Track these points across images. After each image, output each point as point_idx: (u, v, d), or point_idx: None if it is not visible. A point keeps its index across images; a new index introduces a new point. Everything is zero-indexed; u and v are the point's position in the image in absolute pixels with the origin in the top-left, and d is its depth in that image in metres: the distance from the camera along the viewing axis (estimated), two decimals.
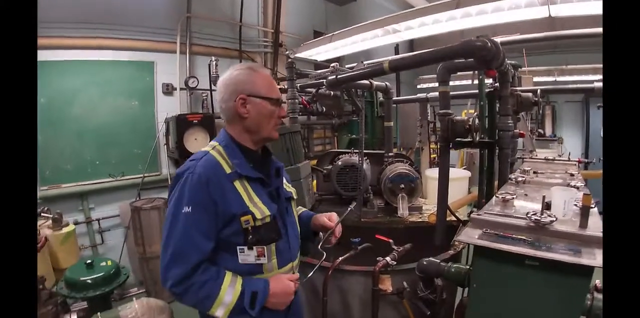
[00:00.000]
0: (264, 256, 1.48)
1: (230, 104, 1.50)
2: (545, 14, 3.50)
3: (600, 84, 3.69)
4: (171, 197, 1.43)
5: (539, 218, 1.34)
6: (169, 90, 5.17)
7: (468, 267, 1.64)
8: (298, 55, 5.35)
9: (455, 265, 1.71)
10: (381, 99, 3.97)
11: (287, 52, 3.50)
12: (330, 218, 1.79)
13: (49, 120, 4.25)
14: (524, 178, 2.25)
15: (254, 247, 1.46)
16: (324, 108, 5.79)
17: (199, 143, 4.68)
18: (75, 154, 4.52)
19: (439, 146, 2.31)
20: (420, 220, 2.88)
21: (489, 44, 1.79)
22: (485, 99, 3.19)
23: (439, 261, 1.79)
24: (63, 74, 4.37)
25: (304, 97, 4.49)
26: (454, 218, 2.71)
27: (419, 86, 9.40)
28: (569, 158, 2.98)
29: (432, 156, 7.50)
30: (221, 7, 5.66)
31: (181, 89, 5.20)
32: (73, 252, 3.85)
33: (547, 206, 1.46)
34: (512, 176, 2.31)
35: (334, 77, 2.49)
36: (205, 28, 5.44)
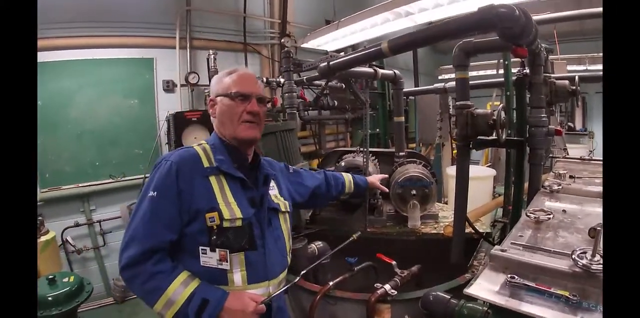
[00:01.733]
0: (227, 261, 1.37)
1: (210, 105, 1.60)
2: None
3: None
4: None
5: (589, 262, 0.92)
6: (169, 87, 4.96)
7: (486, 308, 1.25)
8: (305, 45, 4.96)
9: (469, 305, 1.32)
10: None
11: (286, 41, 3.10)
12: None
13: (47, 123, 4.22)
14: (559, 186, 1.83)
15: (217, 249, 1.37)
16: (335, 102, 5.44)
17: (198, 141, 4.43)
18: (75, 155, 4.50)
19: (455, 146, 1.91)
20: (435, 231, 2.47)
21: (517, 11, 1.37)
22: (512, 87, 2.76)
23: (448, 297, 1.40)
24: (59, 75, 4.31)
25: (303, 91, 4.15)
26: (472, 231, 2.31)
27: (440, 77, 8.84)
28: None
29: (454, 152, 7.04)
30: None
31: (182, 85, 4.96)
32: (54, 261, 3.70)
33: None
34: (547, 183, 1.89)
35: (326, 64, 2.11)
36: (206, 21, 5.17)
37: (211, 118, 1.58)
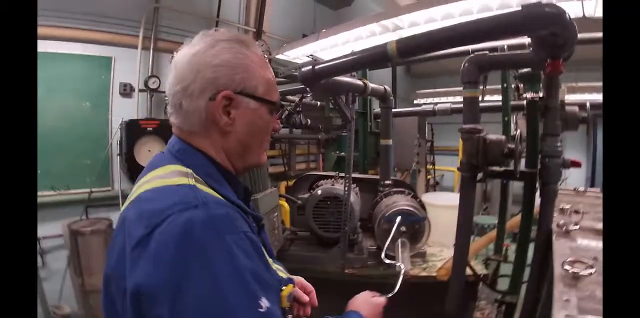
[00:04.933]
0: None
1: (200, 104, 0.86)
2: (578, 13, 2.84)
3: None
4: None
5: None
6: (127, 91, 4.43)
7: None
8: (280, 56, 4.62)
9: None
10: (376, 109, 3.22)
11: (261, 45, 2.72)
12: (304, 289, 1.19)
13: None
14: (576, 226, 1.54)
15: None
16: (308, 120, 5.09)
17: (152, 155, 4.00)
18: None
19: (460, 177, 1.57)
20: (424, 273, 2.12)
21: (567, 15, 1.06)
22: (509, 112, 2.51)
23: None
24: None
25: None
26: (469, 272, 1.98)
27: (416, 101, 8.71)
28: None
29: (428, 177, 6.83)
30: (197, 0, 4.97)
31: (141, 90, 4.45)
32: None
33: None
34: (561, 222, 1.60)
35: (310, 68, 1.74)
36: (175, 22, 4.71)
37: (214, 130, 0.89)
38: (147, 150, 4.06)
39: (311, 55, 1.80)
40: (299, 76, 1.84)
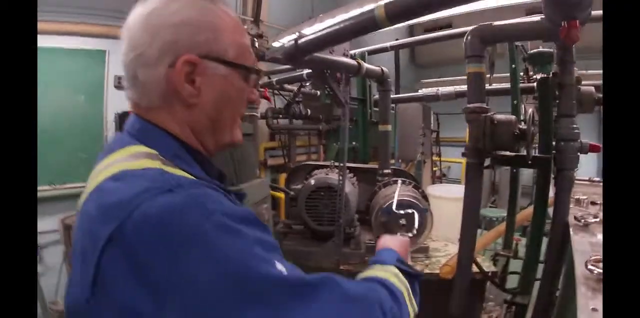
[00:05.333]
0: None
1: (159, 73, 0.70)
2: None
3: None
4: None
5: None
6: (121, 84, 4.26)
7: None
8: (275, 44, 4.43)
9: None
10: (376, 96, 3.03)
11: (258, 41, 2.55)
12: None
13: None
14: (596, 219, 1.38)
15: None
16: (308, 110, 4.92)
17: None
18: None
19: (465, 163, 1.40)
20: (427, 270, 1.95)
21: None
22: (519, 94, 2.33)
23: None
24: None
25: (266, 89, 3.60)
26: (475, 269, 1.81)
27: (420, 91, 8.49)
28: None
29: (434, 169, 6.64)
30: None
31: None
32: None
33: None
34: (578, 214, 1.43)
35: (293, 43, 1.56)
36: None
37: (176, 103, 0.74)
38: None
39: (298, 32, 1.61)
40: (282, 53, 1.67)
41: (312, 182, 2.07)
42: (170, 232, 0.54)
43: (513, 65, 2.42)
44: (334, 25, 1.52)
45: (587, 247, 1.15)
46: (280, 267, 0.58)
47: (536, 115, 1.59)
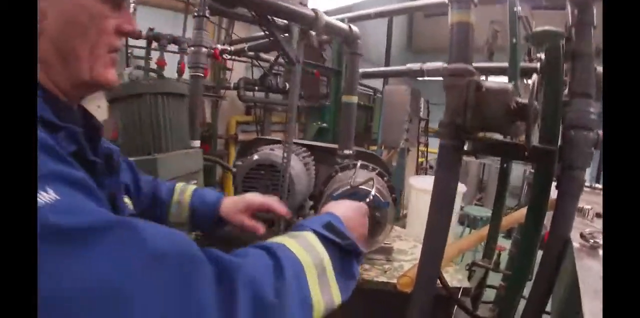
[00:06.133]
0: None
1: None
2: None
3: None
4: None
5: None
6: None
7: None
8: None
9: None
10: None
11: None
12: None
13: None
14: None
15: None
16: (287, 84, 4.49)
17: (103, 111, 3.52)
18: None
19: (439, 147, 1.03)
20: (384, 278, 1.58)
21: None
22: (518, 74, 1.97)
23: None
24: None
25: (218, 49, 3.17)
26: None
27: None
28: None
29: (420, 160, 6.28)
30: None
31: None
32: None
33: None
34: (585, 231, 1.07)
35: None
36: None
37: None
38: (97, 107, 3.54)
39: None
40: None
41: (255, 157, 1.67)
42: None
43: (514, 40, 2.02)
44: None
45: (599, 280, 0.78)
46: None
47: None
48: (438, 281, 1.36)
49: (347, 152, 1.77)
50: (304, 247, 0.69)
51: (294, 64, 1.48)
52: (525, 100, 0.94)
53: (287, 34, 1.72)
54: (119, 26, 0.68)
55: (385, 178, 1.65)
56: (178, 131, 1.66)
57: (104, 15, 0.66)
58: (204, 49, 2.01)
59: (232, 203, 1.13)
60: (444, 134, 1.00)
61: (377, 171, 1.65)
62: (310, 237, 0.73)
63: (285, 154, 1.54)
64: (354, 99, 1.79)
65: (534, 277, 1.24)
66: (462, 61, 1.02)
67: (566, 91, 1.23)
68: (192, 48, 2.01)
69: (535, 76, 0.96)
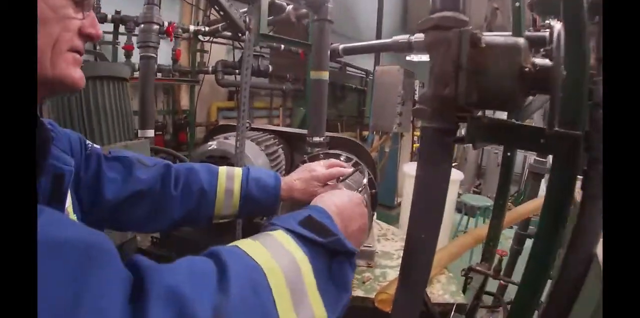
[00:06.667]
0: None
1: None
2: None
3: None
4: None
5: None
6: None
7: None
8: None
9: None
10: (345, 44, 2.25)
11: None
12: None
13: None
14: None
15: None
16: (270, 67, 4.16)
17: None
18: None
19: (420, 132, 0.76)
20: (361, 291, 1.30)
21: None
22: (522, 34, 1.62)
23: None
24: None
25: (172, 26, 2.91)
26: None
27: (408, 58, 7.67)
28: None
29: (414, 146, 5.99)
30: None
31: None
32: None
33: None
34: None
35: None
36: None
37: None
38: None
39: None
40: None
41: (207, 147, 1.39)
42: None
43: (517, 3, 1.70)
44: None
45: None
46: None
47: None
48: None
49: (317, 139, 1.46)
50: (269, 249, 0.56)
51: (242, 34, 1.19)
52: (546, 61, 0.64)
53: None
54: (83, 28, 0.66)
55: (360, 168, 1.36)
56: (119, 120, 1.38)
57: (66, 10, 0.62)
58: (155, 26, 1.73)
59: (304, 183, 1.01)
60: (426, 112, 0.70)
61: (352, 161, 1.36)
62: (280, 236, 0.60)
63: (238, 144, 1.25)
64: (324, 75, 1.48)
65: (546, 299, 0.99)
66: (452, 9, 0.71)
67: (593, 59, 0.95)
68: (142, 25, 1.72)
69: (558, 25, 0.65)
